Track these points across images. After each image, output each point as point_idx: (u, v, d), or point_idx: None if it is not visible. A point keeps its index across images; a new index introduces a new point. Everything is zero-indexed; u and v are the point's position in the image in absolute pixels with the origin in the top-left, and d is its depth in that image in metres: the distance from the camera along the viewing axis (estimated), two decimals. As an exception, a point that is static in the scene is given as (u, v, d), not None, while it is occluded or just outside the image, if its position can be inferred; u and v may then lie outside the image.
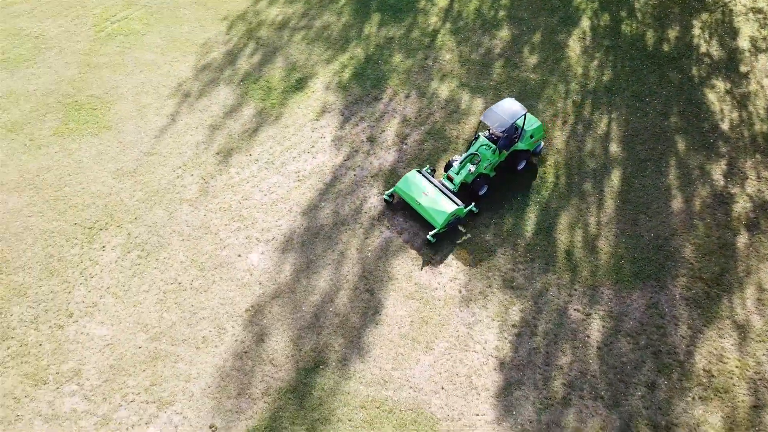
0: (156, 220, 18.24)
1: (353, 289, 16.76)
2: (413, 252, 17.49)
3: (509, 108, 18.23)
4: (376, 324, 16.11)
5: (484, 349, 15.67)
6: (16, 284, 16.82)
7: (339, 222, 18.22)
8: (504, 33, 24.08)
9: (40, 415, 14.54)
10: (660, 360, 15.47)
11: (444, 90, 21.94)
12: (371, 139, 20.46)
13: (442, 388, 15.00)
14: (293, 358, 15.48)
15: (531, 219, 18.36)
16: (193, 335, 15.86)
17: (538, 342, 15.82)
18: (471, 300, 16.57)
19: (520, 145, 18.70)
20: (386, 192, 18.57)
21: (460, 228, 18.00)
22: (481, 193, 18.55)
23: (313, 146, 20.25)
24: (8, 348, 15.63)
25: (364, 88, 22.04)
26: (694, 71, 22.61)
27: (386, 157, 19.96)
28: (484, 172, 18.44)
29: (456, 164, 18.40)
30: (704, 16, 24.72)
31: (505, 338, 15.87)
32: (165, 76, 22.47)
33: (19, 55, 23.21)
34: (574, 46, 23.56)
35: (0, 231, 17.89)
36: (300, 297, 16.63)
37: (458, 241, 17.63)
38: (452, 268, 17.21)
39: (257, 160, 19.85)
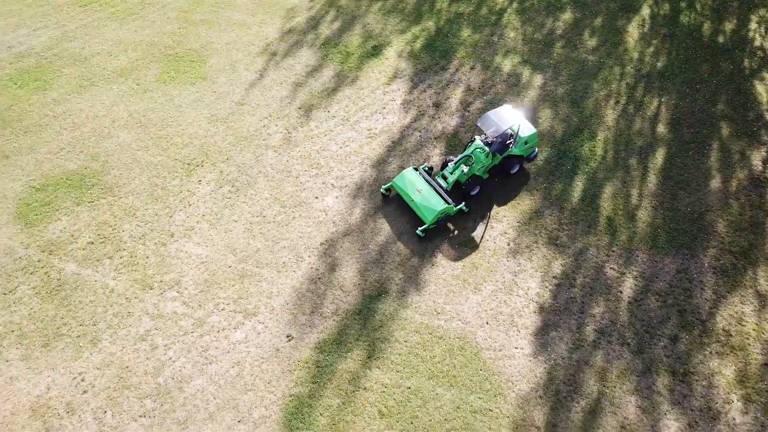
0: (245, 162, 20.65)
1: (414, 235, 18.88)
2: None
3: (505, 115, 19.18)
4: (433, 265, 18.24)
5: (526, 294, 17.67)
6: (127, 206, 19.50)
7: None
8: (567, 16, 25.53)
9: (147, 314, 17.22)
10: (684, 318, 17.20)
11: (507, 65, 23.64)
12: (437, 105, 22.37)
13: (487, 323, 17.09)
14: (359, 286, 17.77)
15: (578, 186, 20.11)
16: (275, 260, 18.28)
17: (575, 293, 17.72)
18: (518, 252, 18.53)
19: (515, 151, 19.49)
20: (384, 186, 19.57)
21: (449, 225, 19.13)
22: (473, 193, 19.43)
23: (384, 107, 22.28)
24: (121, 258, 18.34)
25: (432, 58, 23.89)
26: (746, 63, 23.74)
27: (449, 121, 21.86)
28: (477, 173, 19.30)
29: (451, 164, 19.26)
30: (762, 11, 25.66)
31: (546, 287, 17.82)
32: (254, 35, 24.73)
33: (127, 9, 25.77)
34: (633, 32, 24.88)
35: (113, 161, 20.58)
36: (367, 236, 18.86)
37: (446, 238, 18.69)
38: (503, 224, 19.16)
39: (334, 116, 22.01)
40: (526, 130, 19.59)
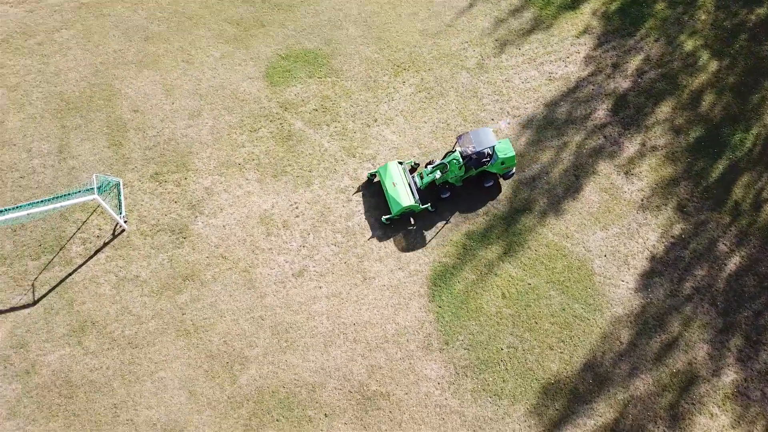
0: (442, 75, 24.56)
1: (564, 171, 22.35)
2: (618, 160, 22.51)
3: (483, 137, 20.79)
4: (573, 199, 21.78)
5: (644, 243, 20.94)
6: (346, 88, 24.20)
7: (570, 120, 23.47)
8: (762, 11, 26.48)
9: (347, 174, 22.20)
10: (773, 300, 19.94)
11: (689, 44, 25.45)
12: (615, 66, 24.90)
13: (605, 255, 20.68)
14: (510, 200, 21.74)
15: (718, 169, 22.49)
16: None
17: (686, 254, 20.77)
18: (648, 208, 21.61)
19: (492, 169, 21.00)
20: (370, 171, 21.80)
21: (411, 219, 21.21)
22: (443, 196, 21.27)
23: (568, 57, 25.11)
24: (335, 127, 23.25)
25: (623, 23, 26.07)
26: None
27: (622, 84, 24.44)
28: (450, 181, 21.09)
29: (430, 167, 21.29)
30: None
31: (662, 242, 20.97)
32: (472, -34, 27.80)
33: None
34: (822, 42, 25.62)
35: (341, 48, 25.15)
36: (526, 162, 22.55)
37: (405, 229, 20.94)
38: (643, 182, 22.14)
39: (523, 54, 25.18)
40: (507, 152, 20.93)
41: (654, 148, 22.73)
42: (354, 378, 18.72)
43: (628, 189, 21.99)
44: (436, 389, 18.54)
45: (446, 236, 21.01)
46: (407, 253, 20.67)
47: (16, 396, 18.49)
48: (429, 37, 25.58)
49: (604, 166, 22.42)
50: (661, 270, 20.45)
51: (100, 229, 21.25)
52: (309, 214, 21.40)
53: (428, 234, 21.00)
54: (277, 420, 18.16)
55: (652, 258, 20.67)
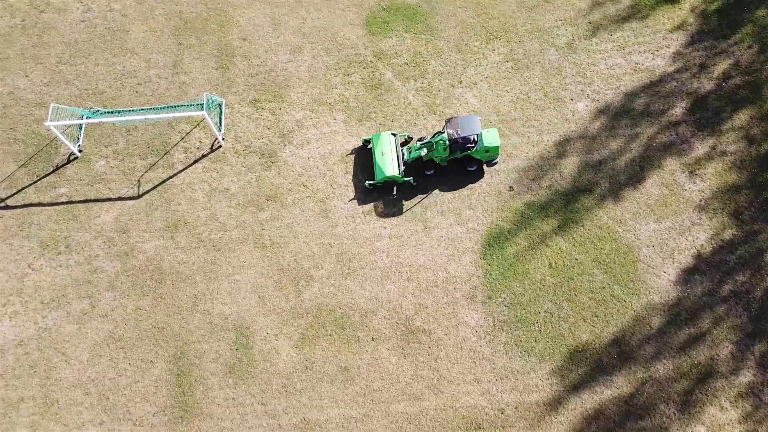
0: (530, 49, 25.29)
1: (631, 160, 23.10)
2: (685, 159, 23.05)
3: (469, 124, 21.33)
4: (634, 188, 22.63)
5: (693, 241, 21.74)
6: (438, 47, 25.28)
7: (646, 113, 24.00)
8: None
9: (425, 129, 23.58)
10: (807, 316, 20.64)
11: (783, 57, 25.24)
12: (702, 66, 25.03)
13: (653, 246, 21.66)
14: (574, 178, 22.77)
15: (783, 183, 22.82)
16: (524, 133, 23.51)
17: (731, 258, 21.51)
18: (704, 209, 22.27)
19: (476, 155, 21.64)
20: (364, 138, 22.80)
21: (394, 188, 22.25)
22: (427, 173, 22.22)
23: (657, 50, 25.35)
24: (422, 83, 24.51)
25: (720, 24, 25.93)
26: None
27: (705, 85, 24.64)
28: (434, 160, 21.85)
29: (419, 143, 22.09)
30: None
31: (711, 243, 21.72)
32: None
33: None
34: None
35: (439, 8, 26.03)
36: (595, 145, 23.39)
37: (388, 197, 22.16)
38: (705, 183, 22.71)
39: (614, 41, 25.54)
40: (492, 141, 21.48)
41: (723, 153, 23.16)
42: (402, 312, 20.69)
43: (689, 188, 22.65)
44: (473, 336, 20.34)
45: (507, 202, 22.36)
46: (468, 212, 22.17)
47: (116, 272, 21.30)
48: (526, 9, 26.18)
49: (670, 162, 23.05)
50: (703, 269, 21.33)
51: (200, 142, 23.50)
52: (386, 160, 23.01)
53: (491, 198, 22.38)
54: (329, 335, 20.40)
55: (698, 256, 21.53)
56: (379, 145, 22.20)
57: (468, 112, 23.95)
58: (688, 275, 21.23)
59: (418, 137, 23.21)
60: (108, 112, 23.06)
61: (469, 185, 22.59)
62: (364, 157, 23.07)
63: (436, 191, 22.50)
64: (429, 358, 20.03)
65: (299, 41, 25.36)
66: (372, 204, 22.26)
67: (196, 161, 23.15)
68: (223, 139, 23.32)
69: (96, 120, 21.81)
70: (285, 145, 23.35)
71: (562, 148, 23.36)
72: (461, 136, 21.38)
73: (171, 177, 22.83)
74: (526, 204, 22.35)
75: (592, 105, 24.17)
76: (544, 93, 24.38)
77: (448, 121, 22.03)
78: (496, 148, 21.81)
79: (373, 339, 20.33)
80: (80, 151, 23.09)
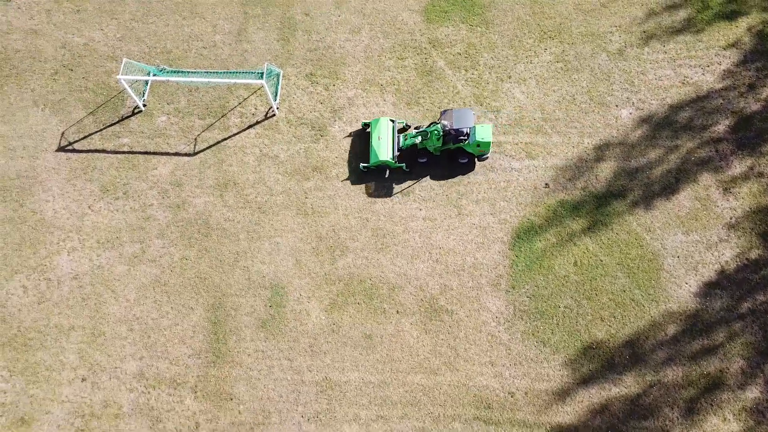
0: (582, 52, 25.38)
1: (667, 171, 23.13)
2: (721, 176, 23.04)
3: (462, 116, 21.74)
4: (666, 198, 22.75)
5: (718, 257, 21.85)
6: (491, 41, 25.54)
7: (689, 126, 23.97)
8: None
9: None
10: (822, 342, 20.71)
11: (834, 85, 24.84)
12: (751, 86, 24.79)
13: (678, 256, 21.87)
14: (609, 182, 22.97)
15: (816, 211, 22.69)
16: (566, 133, 23.76)
17: (754, 278, 21.58)
18: (733, 227, 22.30)
19: (468, 148, 21.98)
20: (364, 121, 23.40)
21: (386, 173, 22.69)
22: (420, 161, 22.73)
23: (708, 65, 25.18)
24: (472, 75, 24.86)
25: (775, 46, 25.60)
26: None
27: (751, 106, 24.44)
28: (428, 149, 22.40)
29: (414, 131, 22.66)
30: None
31: (736, 261, 21.77)
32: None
33: None
34: None
35: (497, 3, 26.23)
36: (633, 153, 23.50)
37: (379, 180, 22.77)
38: (739, 202, 22.72)
39: (665, 52, 25.42)
40: (484, 137, 21.88)
41: (760, 175, 23.08)
42: (428, 290, 21.42)
43: (722, 205, 22.70)
44: (493, 321, 20.99)
45: (542, 198, 22.76)
46: (502, 203, 22.66)
47: (167, 222, 22.46)
48: (582, 12, 26.19)
49: (705, 178, 23.09)
50: (725, 285, 21.50)
51: (256, 109, 24.37)
52: (429, 144, 23.57)
53: (526, 192, 22.81)
54: (358, 303, 21.27)
55: (721, 272, 21.69)
56: (377, 129, 22.66)
57: (513, 108, 24.29)
58: (709, 289, 21.44)
59: (416, 125, 23.64)
60: (173, 72, 24.05)
61: (506, 178, 23.03)
62: (362, 139, 23.63)
63: (473, 180, 23.00)
64: (448, 337, 20.77)
65: (359, 21, 25.90)
66: (407, 187, 22.90)
67: (250, 126, 24.04)
68: (277, 108, 24.14)
69: (162, 78, 22.80)
70: (335, 121, 24.06)
71: (600, 152, 23.57)
72: (454, 128, 21.78)
73: (225, 139, 23.78)
74: (559, 202, 22.72)
75: (636, 113, 24.25)
76: (590, 96, 24.53)
77: (443, 112, 22.49)
78: (488, 144, 22.13)
79: (398, 312, 21.13)
80: (144, 105, 24.17)
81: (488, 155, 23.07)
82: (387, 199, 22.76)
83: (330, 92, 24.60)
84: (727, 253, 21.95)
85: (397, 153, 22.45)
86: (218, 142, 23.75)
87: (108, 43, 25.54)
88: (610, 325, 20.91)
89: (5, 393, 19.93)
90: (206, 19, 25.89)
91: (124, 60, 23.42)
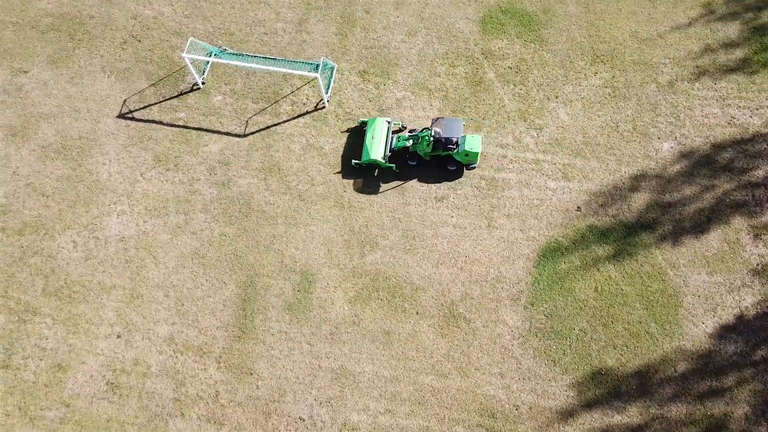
0: (632, 80, 24.97)
1: (699, 209, 22.73)
2: (754, 221, 22.63)
3: (453, 127, 21.98)
4: (695, 237, 22.45)
5: (739, 301, 21.57)
6: (544, 59, 25.28)
7: (728, 168, 23.41)
8: None
9: (512, 135, 23.92)
10: (831, 400, 20.40)
11: None
12: (798, 135, 24.17)
13: (698, 295, 21.62)
14: (640, 214, 22.73)
15: None
16: (605, 159, 23.52)
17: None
18: (759, 274, 21.93)
19: (456, 156, 22.24)
20: (362, 119, 23.57)
21: (376, 171, 23.08)
22: (410, 163, 22.99)
23: (758, 109, 24.49)
24: (520, 90, 24.72)
25: (829, 97, 24.81)
26: None
27: (796, 154, 23.86)
28: (418, 152, 22.53)
29: (407, 134, 22.86)
30: None
31: (756, 308, 21.48)
32: (710, -14, 26.79)
33: None
34: None
35: (553, 22, 25.90)
36: (669, 187, 23.11)
37: (369, 176, 23.16)
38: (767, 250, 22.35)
39: (716, 90, 24.80)
40: (473, 147, 22.11)
41: (794, 225, 22.63)
42: (449, 296, 21.71)
43: (750, 250, 22.34)
44: (508, 334, 21.21)
45: (572, 221, 22.72)
46: (533, 220, 22.70)
47: (211, 198, 23.13)
48: (637, 40, 25.74)
49: (738, 221, 22.71)
50: (741, 330, 21.27)
51: (307, 99, 24.74)
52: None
53: (558, 213, 22.79)
54: (380, 299, 21.69)
55: (740, 317, 21.44)
56: (372, 128, 22.88)
57: (556, 127, 24.16)
58: (725, 332, 21.24)
59: (410, 128, 23.79)
60: (234, 54, 24.53)
61: (540, 196, 23.03)
62: (357, 136, 23.86)
63: (508, 194, 23.05)
64: (463, 343, 21.08)
65: (416, 25, 25.92)
66: (442, 193, 23.09)
67: (299, 115, 24.44)
68: (327, 101, 24.46)
69: (223, 61, 23.28)
70: (381, 120, 24.28)
71: (636, 182, 23.34)
72: (443, 136, 21.97)
73: (275, 125, 24.24)
74: (588, 226, 22.65)
75: (677, 147, 23.89)
76: (633, 125, 24.23)
77: (435, 120, 22.70)
78: (476, 154, 22.42)
79: (417, 313, 21.50)
80: (203, 83, 24.74)
81: (476, 165, 23.20)
82: (421, 202, 23.00)
83: (380, 91, 24.80)
84: (748, 299, 21.67)
85: (388, 153, 22.78)
86: (268, 127, 24.23)
87: (176, 19, 26.11)
88: (621, 354, 20.93)
89: (47, 339, 21.01)
90: (270, 6, 26.23)
91: (190, 39, 23.96)
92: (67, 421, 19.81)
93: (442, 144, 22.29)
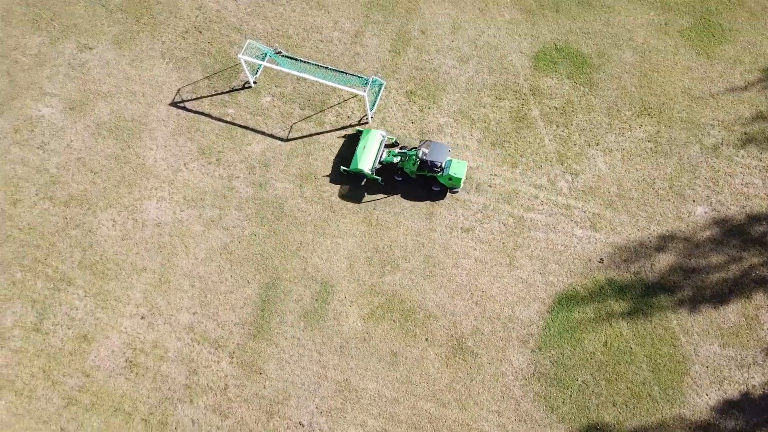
0: (677, 137, 24.25)
1: (723, 280, 22.19)
2: (777, 301, 22.05)
3: (438, 151, 22.04)
4: (713, 307, 21.89)
5: (748, 379, 21.10)
6: (590, 103, 24.69)
7: (759, 241, 22.69)
8: None
9: (546, 175, 23.60)
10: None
11: None
12: (838, 218, 23.24)
13: (707, 366, 21.22)
14: (661, 275, 22.28)
15: None
16: (635, 217, 23.08)
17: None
18: (772, 354, 21.45)
19: (440, 179, 22.25)
20: (358, 128, 23.55)
21: (363, 181, 23.13)
22: (396, 178, 23.05)
23: (800, 185, 23.70)
24: (561, 132, 24.27)
25: None
26: None
27: (832, 237, 22.99)
28: (405, 169, 22.51)
29: (397, 151, 22.88)
30: None
31: (764, 389, 21.01)
32: (773, 51, 25.71)
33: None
34: None
35: (606, 68, 25.23)
36: (696, 252, 22.55)
37: (358, 184, 23.14)
38: (785, 330, 21.73)
39: (761, 160, 23.96)
40: (457, 173, 22.05)
41: (817, 310, 21.92)
42: (459, 328, 21.75)
43: (767, 329, 21.79)
44: (511, 375, 21.19)
45: (592, 272, 22.42)
46: (554, 266, 22.47)
47: (247, 197, 23.47)
48: (689, 97, 24.97)
49: (759, 298, 22.12)
50: (745, 407, 20.84)
51: (352, 112, 24.75)
52: (498, 189, 23.46)
53: (580, 262, 22.51)
54: (393, 320, 21.85)
55: (746, 394, 21.00)
56: (366, 139, 22.92)
57: (592, 175, 23.73)
58: (727, 407, 20.84)
59: (402, 145, 23.70)
60: (288, 57, 24.62)
61: (565, 242, 22.75)
62: (351, 144, 23.87)
63: (534, 235, 22.83)
64: (466, 377, 21.16)
65: (469, 52, 25.58)
66: (469, 225, 22.98)
67: (343, 127, 24.49)
68: (372, 117, 24.43)
69: (275, 67, 23.39)
70: (420, 144, 24.15)
71: (663, 242, 22.86)
72: (428, 159, 21.90)
73: (318, 134, 24.36)
74: (608, 280, 22.33)
75: (711, 213, 23.26)
76: (670, 184, 23.64)
77: (423, 141, 22.69)
78: (459, 180, 22.45)
79: (426, 340, 21.62)
80: (255, 83, 24.94)
81: (459, 189, 23.14)
82: (447, 231, 22.95)
83: (423, 114, 24.65)
84: (757, 378, 21.17)
85: (377, 165, 22.83)
86: (310, 135, 24.36)
87: (237, 15, 26.27)
88: (620, 412, 20.75)
89: (77, 310, 21.81)
90: (330, 14, 26.16)
91: (248, 41, 24.11)
92: (85, 391, 20.62)
93: (428, 166, 22.22)
